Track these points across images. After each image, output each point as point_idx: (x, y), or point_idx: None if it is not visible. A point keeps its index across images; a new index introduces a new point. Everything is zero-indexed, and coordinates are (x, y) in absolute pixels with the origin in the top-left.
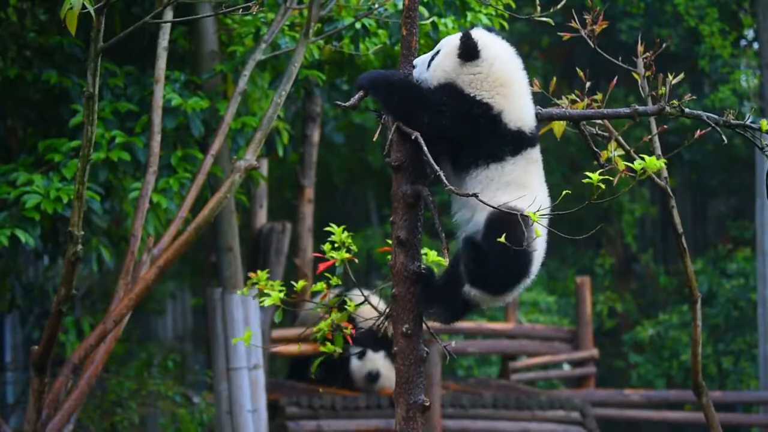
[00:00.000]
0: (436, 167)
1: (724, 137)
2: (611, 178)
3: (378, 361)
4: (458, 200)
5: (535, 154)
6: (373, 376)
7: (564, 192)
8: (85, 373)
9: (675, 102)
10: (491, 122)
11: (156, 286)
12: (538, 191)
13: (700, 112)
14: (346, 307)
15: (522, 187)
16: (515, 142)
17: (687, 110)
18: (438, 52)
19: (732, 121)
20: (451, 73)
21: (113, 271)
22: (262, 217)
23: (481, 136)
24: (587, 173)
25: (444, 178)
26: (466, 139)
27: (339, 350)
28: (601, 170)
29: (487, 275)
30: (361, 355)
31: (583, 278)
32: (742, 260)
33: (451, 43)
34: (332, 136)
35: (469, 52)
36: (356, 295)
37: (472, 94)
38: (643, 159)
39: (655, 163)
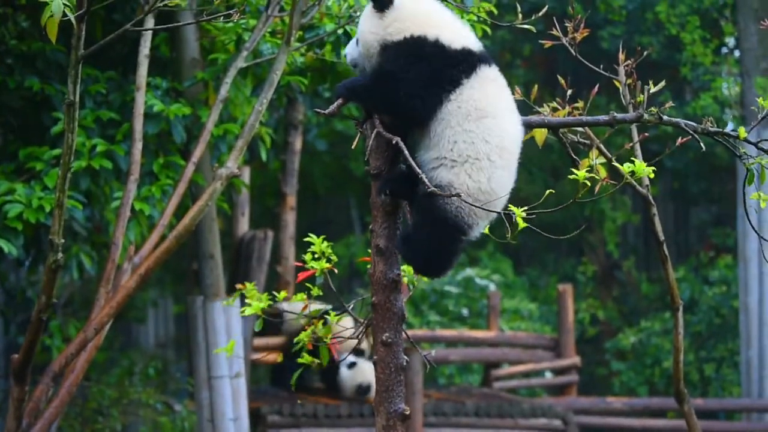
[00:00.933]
0: (418, 170)
1: (702, 145)
2: (594, 181)
3: (369, 373)
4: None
5: (491, 73)
6: (364, 389)
7: (548, 191)
8: (66, 381)
9: (653, 109)
10: (434, 47)
11: (137, 293)
12: (503, 117)
13: (678, 119)
14: (328, 319)
15: (483, 115)
16: (465, 61)
17: (665, 118)
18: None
19: (710, 128)
20: (379, 30)
21: (94, 278)
22: (243, 225)
23: (434, 64)
24: (573, 170)
25: (425, 178)
26: (428, 80)
27: (318, 362)
28: (585, 172)
29: (407, 245)
30: (352, 365)
31: (565, 286)
32: (723, 268)
33: (365, 8)
34: (315, 144)
35: (380, 1)
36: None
37: (405, 36)
38: (633, 162)
39: (643, 168)
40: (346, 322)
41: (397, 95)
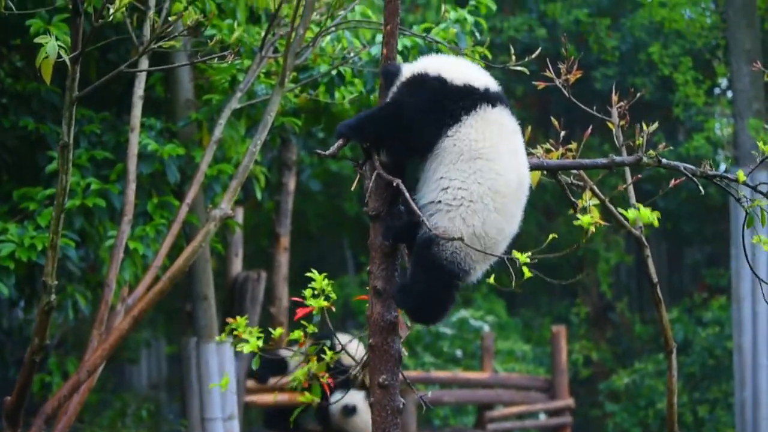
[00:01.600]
0: (419, 212)
1: (701, 188)
2: (590, 224)
3: (355, 395)
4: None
5: (494, 115)
6: (350, 410)
7: (550, 236)
8: (59, 423)
9: (652, 152)
10: (435, 80)
11: (130, 334)
12: (500, 161)
13: (677, 163)
14: (323, 356)
15: (477, 156)
16: (467, 98)
17: (664, 161)
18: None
19: (709, 172)
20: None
21: (88, 318)
22: (237, 265)
23: (435, 95)
24: (577, 215)
25: (427, 222)
26: (429, 107)
27: (317, 400)
28: (584, 216)
29: (402, 293)
30: (352, 411)
31: (559, 327)
32: (717, 308)
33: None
34: (309, 184)
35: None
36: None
37: (410, 74)
38: (638, 208)
39: (648, 215)
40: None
41: (399, 121)
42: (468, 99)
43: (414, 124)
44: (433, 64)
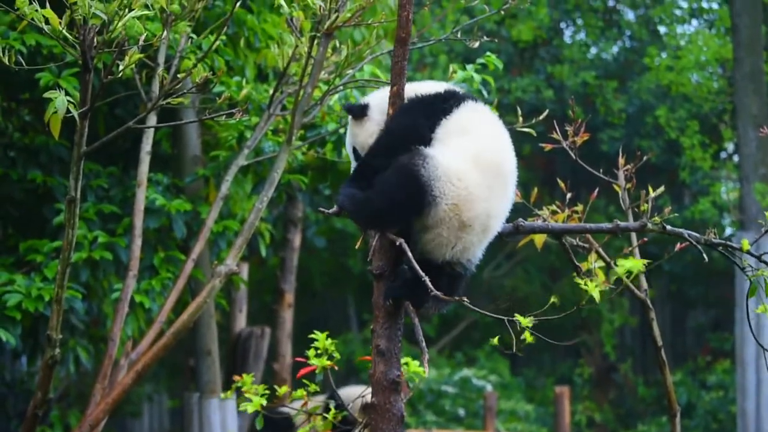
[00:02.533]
0: (421, 272)
1: (705, 255)
2: (595, 290)
3: None
4: None
5: (479, 107)
6: None
7: (552, 298)
8: None
9: (657, 219)
10: (417, 97)
11: (133, 388)
12: (481, 133)
13: (681, 230)
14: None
15: (466, 132)
16: (453, 97)
17: (669, 228)
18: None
19: (714, 240)
20: (371, 127)
21: (90, 372)
22: (241, 321)
23: (434, 103)
24: (580, 280)
25: (429, 283)
26: (421, 114)
27: None
28: (588, 280)
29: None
30: None
31: (562, 388)
32: (721, 372)
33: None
34: (314, 241)
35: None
36: (344, 393)
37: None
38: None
39: (637, 264)
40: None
41: (397, 135)
42: (455, 98)
43: (410, 128)
44: (407, 88)
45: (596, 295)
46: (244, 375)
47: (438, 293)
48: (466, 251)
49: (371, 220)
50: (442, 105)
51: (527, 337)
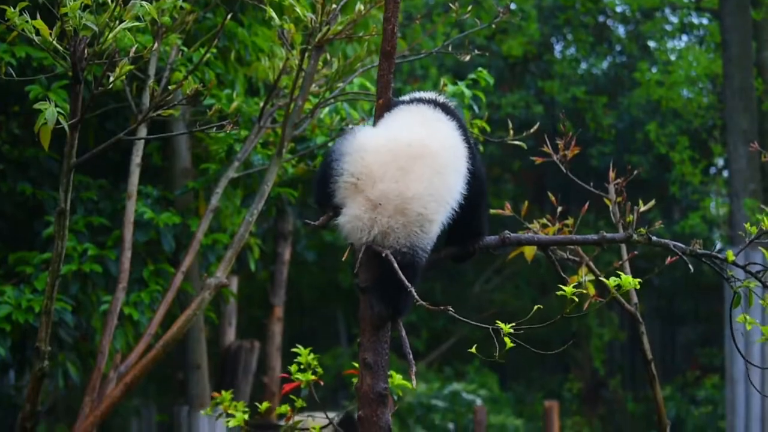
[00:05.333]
0: (408, 284)
1: (691, 267)
2: (582, 297)
3: None
4: None
5: (413, 107)
6: None
7: (535, 307)
8: None
9: (642, 230)
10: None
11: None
12: (406, 122)
13: (667, 241)
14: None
15: (394, 121)
16: (412, 100)
17: (654, 239)
18: None
19: (699, 250)
20: None
21: (78, 385)
22: (231, 335)
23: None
24: (561, 286)
25: (415, 293)
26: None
27: None
28: (573, 288)
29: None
30: None
31: (552, 402)
32: (710, 387)
33: None
34: (304, 254)
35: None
36: (320, 417)
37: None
38: (618, 276)
39: (630, 281)
40: None
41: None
42: (411, 100)
43: None
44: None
45: (575, 298)
46: (223, 391)
47: (423, 302)
48: (388, 236)
49: (314, 194)
50: (396, 104)
51: (507, 342)
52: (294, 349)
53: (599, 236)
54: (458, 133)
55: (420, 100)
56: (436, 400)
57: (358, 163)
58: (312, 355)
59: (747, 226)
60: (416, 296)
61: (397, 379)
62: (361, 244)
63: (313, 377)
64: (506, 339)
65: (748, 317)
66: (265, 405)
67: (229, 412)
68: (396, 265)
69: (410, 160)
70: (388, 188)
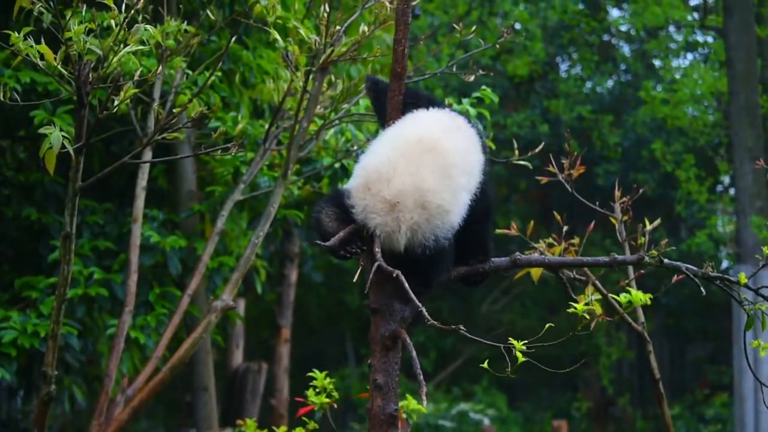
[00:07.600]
0: (418, 303)
1: (702, 289)
2: (591, 315)
3: None
4: None
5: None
6: None
7: (547, 326)
8: None
9: (654, 252)
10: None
11: (129, 424)
12: (411, 119)
13: (679, 263)
14: None
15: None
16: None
17: (666, 261)
18: None
19: (711, 273)
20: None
21: (85, 409)
22: (238, 357)
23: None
24: (572, 304)
25: (426, 313)
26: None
27: None
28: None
29: None
30: None
31: (560, 422)
32: (719, 406)
33: None
34: (311, 275)
35: None
36: None
37: None
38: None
39: (641, 297)
40: None
41: None
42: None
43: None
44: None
45: (586, 316)
46: (248, 419)
47: (433, 322)
48: (416, 233)
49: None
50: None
51: (519, 357)
52: (310, 373)
53: (611, 258)
54: (475, 140)
55: (438, 105)
56: (443, 420)
57: (360, 175)
58: (327, 379)
59: (765, 249)
60: (427, 316)
61: (412, 403)
62: (398, 249)
63: (327, 400)
64: (518, 354)
65: (761, 342)
66: (282, 429)
67: None
68: (419, 262)
69: (422, 154)
70: (403, 183)
